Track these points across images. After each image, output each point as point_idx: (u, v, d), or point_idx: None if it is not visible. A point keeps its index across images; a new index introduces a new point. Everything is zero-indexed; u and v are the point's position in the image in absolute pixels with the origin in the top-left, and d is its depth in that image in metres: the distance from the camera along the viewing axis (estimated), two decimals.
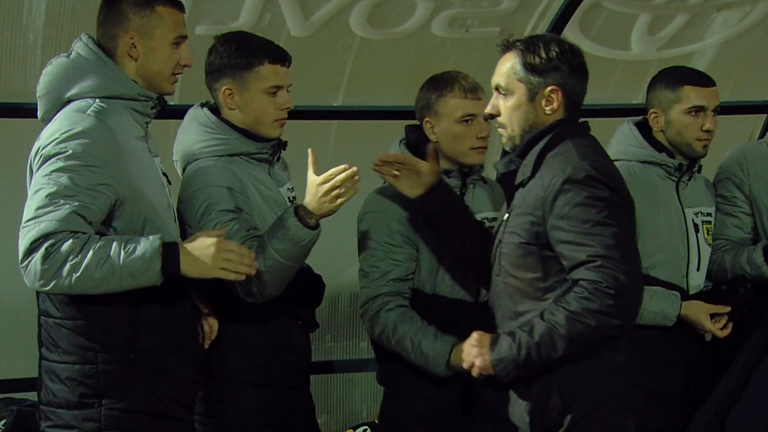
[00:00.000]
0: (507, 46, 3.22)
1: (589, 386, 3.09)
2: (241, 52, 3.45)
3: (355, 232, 3.68)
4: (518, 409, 3.13)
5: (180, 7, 3.23)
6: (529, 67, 3.16)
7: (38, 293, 3.10)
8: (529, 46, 3.18)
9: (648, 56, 5.14)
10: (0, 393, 4.43)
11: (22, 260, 2.94)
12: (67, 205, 2.92)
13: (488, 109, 3.26)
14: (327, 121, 4.90)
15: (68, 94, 3.10)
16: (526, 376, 3.10)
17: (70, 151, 2.97)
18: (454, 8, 4.70)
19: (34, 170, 3.03)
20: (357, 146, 4.81)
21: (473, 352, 3.14)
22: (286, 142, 3.58)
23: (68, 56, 3.17)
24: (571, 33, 4.92)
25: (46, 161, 2.98)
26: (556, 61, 3.16)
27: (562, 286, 3.08)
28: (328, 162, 3.31)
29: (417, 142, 3.66)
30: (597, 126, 4.13)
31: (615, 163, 3.87)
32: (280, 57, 3.48)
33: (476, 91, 3.63)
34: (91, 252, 2.91)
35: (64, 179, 2.95)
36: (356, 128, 4.90)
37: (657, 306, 3.81)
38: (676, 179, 3.92)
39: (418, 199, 3.47)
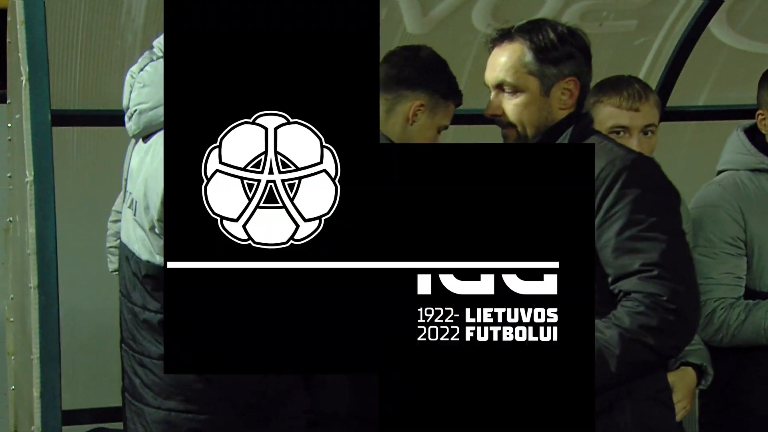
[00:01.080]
0: (503, 36, 2.89)
1: (662, 408, 2.87)
2: (450, 80, 3.34)
3: None
4: None
5: None
6: (542, 58, 2.84)
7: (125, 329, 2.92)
8: (535, 33, 2.85)
9: None
10: (91, 423, 4.38)
11: None
12: None
13: (490, 111, 2.92)
14: None
15: None
16: None
17: None
18: None
19: None
20: None
21: None
22: None
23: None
24: (717, 26, 4.69)
25: None
26: (569, 48, 2.84)
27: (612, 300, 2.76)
28: None
29: None
30: None
31: (722, 173, 3.64)
32: None
33: None
34: None
35: None
36: (475, 135, 4.61)
37: None
38: None
39: None
